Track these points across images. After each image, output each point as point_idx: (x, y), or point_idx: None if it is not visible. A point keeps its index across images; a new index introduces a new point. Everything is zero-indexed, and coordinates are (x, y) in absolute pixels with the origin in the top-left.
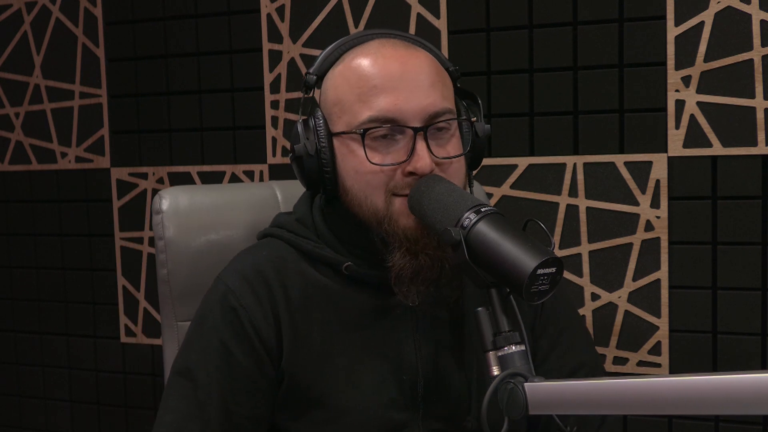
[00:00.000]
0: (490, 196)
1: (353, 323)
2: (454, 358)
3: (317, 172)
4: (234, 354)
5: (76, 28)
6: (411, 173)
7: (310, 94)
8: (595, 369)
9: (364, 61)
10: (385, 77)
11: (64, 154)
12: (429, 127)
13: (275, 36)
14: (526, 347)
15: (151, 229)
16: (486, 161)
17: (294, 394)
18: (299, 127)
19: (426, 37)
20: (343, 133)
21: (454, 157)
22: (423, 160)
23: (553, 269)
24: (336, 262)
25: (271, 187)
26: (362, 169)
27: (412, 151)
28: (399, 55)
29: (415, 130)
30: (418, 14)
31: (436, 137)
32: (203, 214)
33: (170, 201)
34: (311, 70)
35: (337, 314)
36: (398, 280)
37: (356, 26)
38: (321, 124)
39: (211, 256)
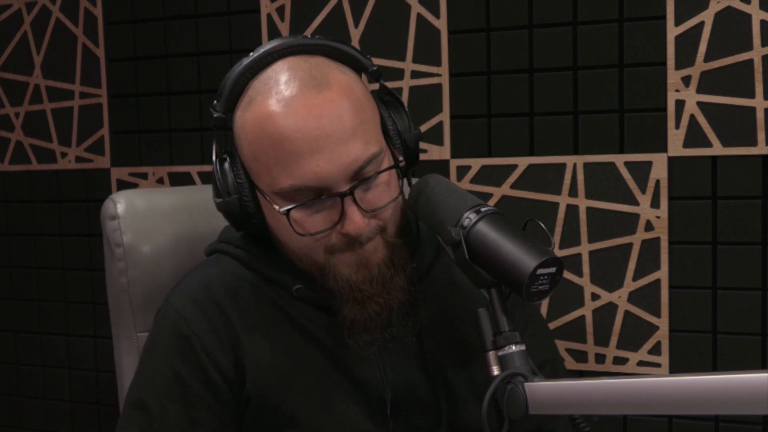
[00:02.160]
0: (489, 196)
1: (314, 342)
2: (419, 370)
3: (245, 221)
4: (188, 383)
5: (76, 28)
6: (345, 235)
7: (220, 135)
8: (556, 364)
9: (275, 116)
10: (301, 139)
11: (64, 154)
12: (355, 186)
13: (275, 36)
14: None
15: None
16: (486, 161)
17: (262, 416)
18: (217, 172)
19: (426, 36)
20: (266, 194)
21: (385, 205)
22: (354, 224)
23: (554, 269)
24: (286, 283)
25: None
26: (292, 235)
27: (342, 214)
28: (311, 105)
29: (342, 195)
30: (418, 14)
31: (364, 188)
32: (162, 219)
33: (126, 205)
34: (217, 107)
35: (297, 333)
36: (351, 331)
37: (356, 26)
38: (241, 176)
39: (173, 262)
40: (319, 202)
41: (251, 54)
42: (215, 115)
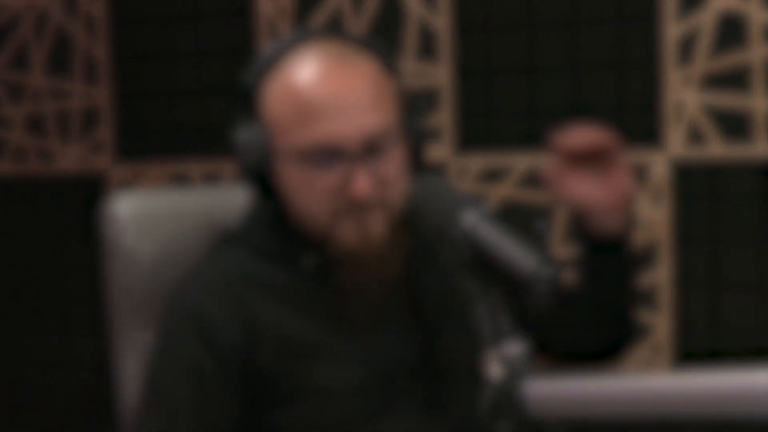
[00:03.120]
0: (489, 195)
1: (317, 314)
2: (416, 343)
3: (261, 183)
4: (202, 365)
5: (76, 28)
6: (352, 198)
7: (248, 104)
8: None
9: (301, 78)
10: (323, 100)
11: (64, 155)
12: (368, 151)
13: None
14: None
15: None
16: (486, 161)
17: (269, 387)
18: (242, 135)
19: (426, 37)
20: (283, 155)
21: (393, 181)
22: (362, 188)
23: (553, 270)
24: (291, 257)
25: (243, 190)
26: (303, 189)
27: (352, 177)
28: (337, 72)
29: (354, 158)
30: (418, 15)
31: (376, 159)
32: (163, 220)
33: (126, 206)
34: (247, 78)
35: (300, 306)
36: (349, 301)
37: (356, 27)
38: (261, 137)
39: (174, 263)
40: (332, 163)
41: (284, 36)
42: (242, 83)
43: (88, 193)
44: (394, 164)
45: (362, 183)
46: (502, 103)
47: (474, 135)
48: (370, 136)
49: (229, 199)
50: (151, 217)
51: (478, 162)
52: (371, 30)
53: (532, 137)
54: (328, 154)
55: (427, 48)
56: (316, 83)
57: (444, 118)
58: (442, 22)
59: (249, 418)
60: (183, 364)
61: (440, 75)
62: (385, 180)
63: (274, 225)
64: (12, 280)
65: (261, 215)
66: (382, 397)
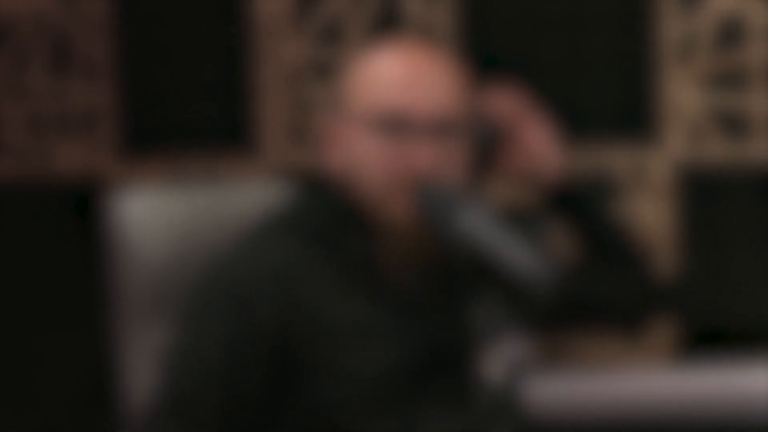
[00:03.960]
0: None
1: (364, 298)
2: (454, 325)
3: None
4: (237, 343)
5: (76, 28)
6: (410, 171)
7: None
8: None
9: (384, 58)
10: (399, 73)
11: (64, 155)
12: (435, 131)
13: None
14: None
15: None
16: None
17: (304, 365)
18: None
19: (423, 38)
20: (354, 117)
21: (449, 168)
22: (422, 158)
23: (552, 271)
24: (338, 239)
25: (279, 188)
26: (367, 156)
27: (415, 149)
28: (418, 56)
29: (421, 131)
30: (419, 15)
31: (441, 141)
32: (168, 218)
33: (134, 204)
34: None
35: (346, 290)
36: (389, 272)
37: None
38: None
39: (179, 262)
40: (399, 134)
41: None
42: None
43: (88, 193)
44: (456, 155)
45: (424, 155)
46: None
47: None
48: (439, 115)
49: (241, 196)
50: (160, 214)
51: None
52: (371, 30)
53: None
54: (397, 124)
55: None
56: (398, 62)
57: None
58: (442, 22)
59: (283, 398)
60: (219, 336)
61: None
62: (442, 165)
63: (322, 208)
64: (12, 281)
65: (308, 199)
66: (420, 381)
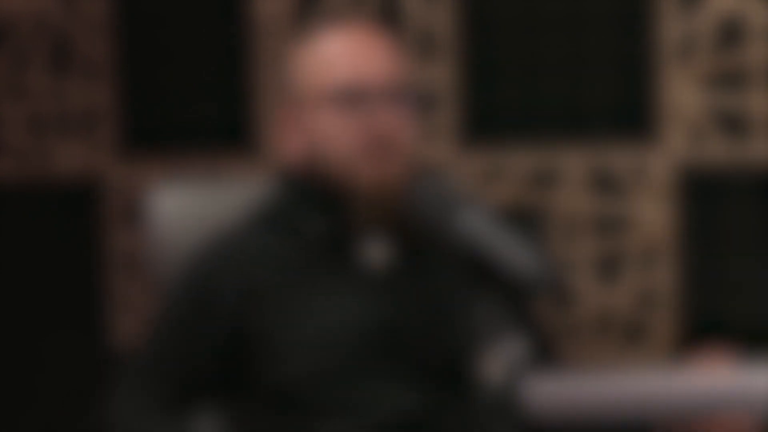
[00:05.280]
0: (487, 195)
1: (321, 279)
2: (417, 302)
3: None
4: (192, 322)
5: (76, 28)
6: (375, 135)
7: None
8: None
9: (333, 37)
10: (346, 49)
11: (64, 155)
12: (390, 97)
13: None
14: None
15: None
16: (485, 161)
17: (260, 347)
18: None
19: (424, 37)
20: (315, 99)
21: (408, 131)
22: (388, 123)
23: (552, 273)
24: (298, 225)
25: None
26: (332, 131)
27: (376, 115)
28: (363, 33)
29: (378, 97)
30: (419, 15)
31: (397, 105)
32: (206, 213)
33: (169, 198)
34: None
35: (304, 272)
36: (358, 244)
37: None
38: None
39: None
40: (359, 104)
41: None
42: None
43: (88, 193)
44: (410, 118)
45: (385, 118)
46: (502, 103)
47: (473, 134)
48: (391, 81)
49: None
50: (193, 208)
51: (477, 162)
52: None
53: (531, 137)
54: (354, 95)
55: (428, 48)
56: (347, 38)
57: (444, 117)
58: (442, 22)
59: (243, 374)
60: (177, 317)
61: (440, 74)
62: (404, 127)
63: (287, 194)
64: (12, 280)
65: (276, 188)
66: (380, 357)
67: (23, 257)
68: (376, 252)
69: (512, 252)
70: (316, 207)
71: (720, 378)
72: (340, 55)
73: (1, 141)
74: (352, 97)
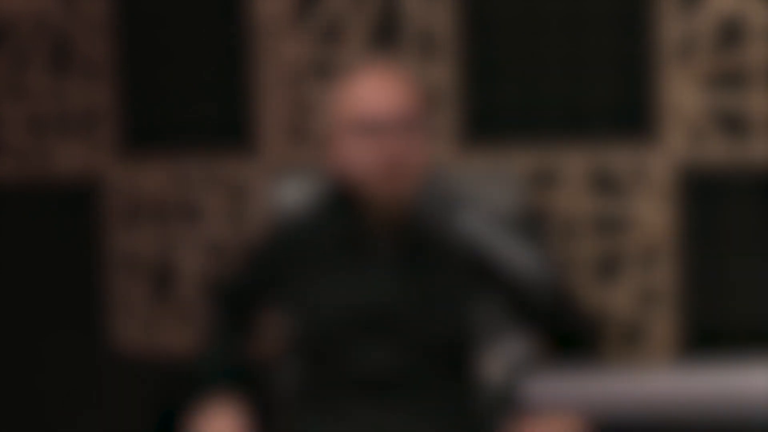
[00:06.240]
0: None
1: (342, 256)
2: (409, 287)
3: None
4: (255, 257)
5: (76, 28)
6: (387, 159)
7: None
8: None
9: (353, 78)
10: (367, 89)
11: (64, 155)
12: (401, 128)
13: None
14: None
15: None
16: (486, 161)
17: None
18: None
19: (424, 37)
20: (341, 128)
21: (415, 158)
22: (393, 149)
23: (552, 276)
24: (328, 217)
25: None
26: (353, 155)
27: (387, 142)
28: (378, 74)
29: (390, 129)
30: (419, 15)
31: (406, 135)
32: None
33: (293, 190)
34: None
35: (328, 250)
36: (368, 236)
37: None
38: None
39: None
40: (374, 133)
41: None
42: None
43: (88, 193)
44: (420, 145)
45: (395, 146)
46: (502, 103)
47: (473, 134)
48: (403, 113)
49: None
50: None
51: (478, 162)
52: (371, 30)
53: (531, 137)
54: (371, 126)
55: (428, 48)
56: (364, 80)
57: (444, 117)
58: (442, 22)
59: (277, 300)
60: (248, 263)
61: (440, 74)
62: (413, 152)
63: (324, 196)
64: (12, 280)
65: (318, 190)
66: (369, 328)
67: (23, 257)
68: (384, 247)
69: (512, 252)
70: (343, 211)
71: (719, 378)
72: (361, 95)
73: (1, 141)
74: (369, 128)
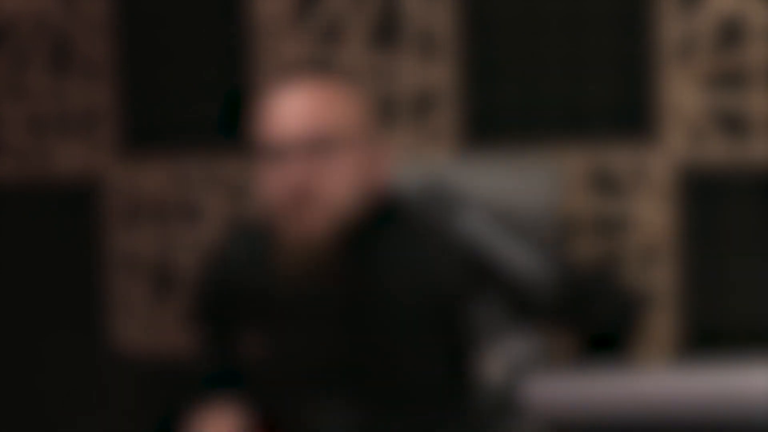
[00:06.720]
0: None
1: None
2: (349, 330)
3: None
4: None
5: (76, 28)
6: (287, 189)
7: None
8: None
9: (270, 96)
10: (270, 109)
11: (64, 155)
12: (310, 152)
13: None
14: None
15: None
16: (483, 162)
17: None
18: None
19: (424, 37)
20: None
21: (324, 182)
22: (294, 177)
23: (551, 272)
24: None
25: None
26: (261, 182)
27: (287, 169)
28: (296, 88)
29: (288, 151)
30: (418, 14)
31: (320, 160)
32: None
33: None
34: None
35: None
36: (287, 278)
37: (354, 30)
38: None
39: None
40: (277, 160)
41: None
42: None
43: (88, 193)
44: (340, 167)
45: (296, 173)
46: (502, 103)
47: (473, 134)
48: (311, 135)
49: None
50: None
51: (476, 163)
52: (371, 30)
53: (531, 137)
54: (268, 151)
55: (428, 48)
56: (276, 97)
57: (444, 117)
58: (442, 22)
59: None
60: (203, 280)
61: (440, 74)
62: (324, 180)
63: (257, 236)
64: (12, 280)
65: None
66: (324, 381)
67: (23, 257)
68: (315, 292)
69: (512, 252)
70: (268, 254)
71: (719, 378)
72: (268, 117)
73: (1, 141)
74: (273, 154)
